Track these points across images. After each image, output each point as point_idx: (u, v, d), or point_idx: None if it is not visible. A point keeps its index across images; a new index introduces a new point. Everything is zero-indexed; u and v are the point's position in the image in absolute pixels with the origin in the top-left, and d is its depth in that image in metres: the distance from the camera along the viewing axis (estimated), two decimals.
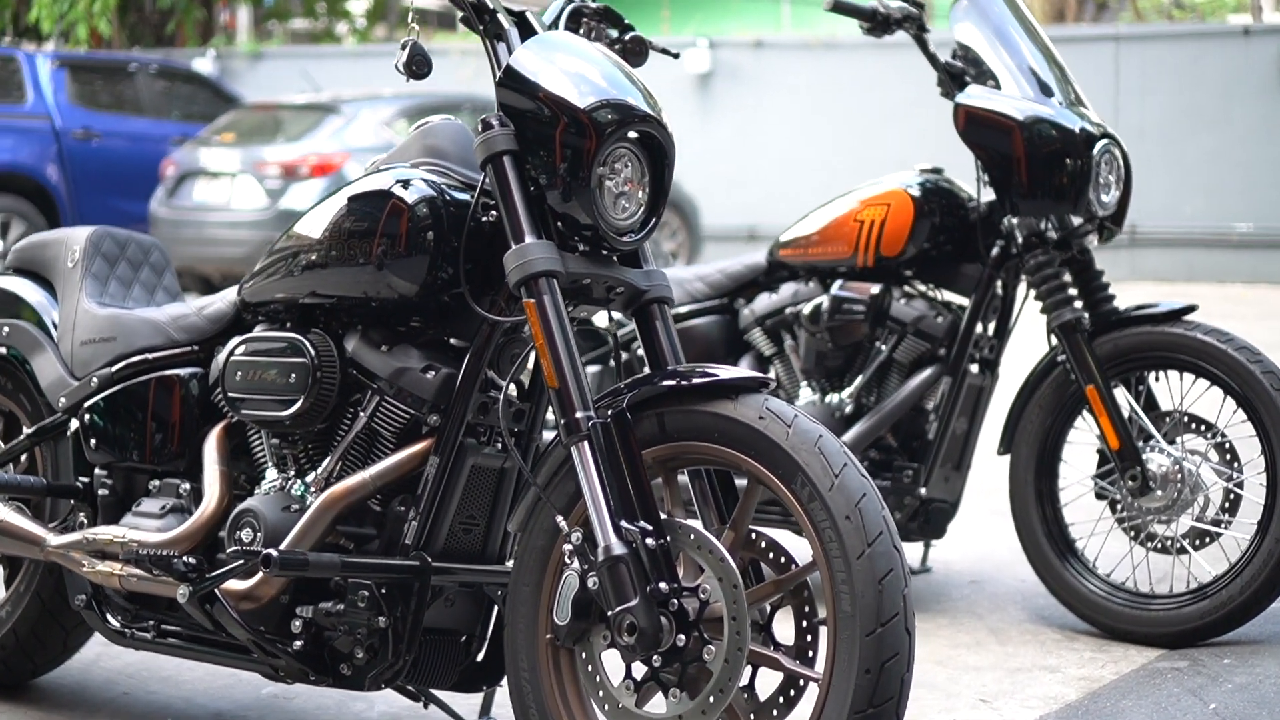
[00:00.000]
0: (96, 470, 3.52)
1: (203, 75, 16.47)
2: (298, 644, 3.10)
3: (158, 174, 13.25)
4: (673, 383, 2.82)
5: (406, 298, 3.09)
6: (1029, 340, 4.85)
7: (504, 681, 3.23)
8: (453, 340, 3.19)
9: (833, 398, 4.53)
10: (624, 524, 2.73)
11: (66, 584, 3.53)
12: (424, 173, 3.15)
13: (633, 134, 2.94)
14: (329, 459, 3.17)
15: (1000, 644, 4.18)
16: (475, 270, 3.07)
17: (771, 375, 4.70)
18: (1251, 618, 4.00)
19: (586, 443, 2.78)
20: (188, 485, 3.39)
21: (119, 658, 4.04)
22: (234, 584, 3.12)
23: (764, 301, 4.71)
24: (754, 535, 2.85)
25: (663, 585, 2.70)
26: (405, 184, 3.11)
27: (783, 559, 2.83)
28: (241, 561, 3.00)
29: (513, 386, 3.21)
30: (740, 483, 2.90)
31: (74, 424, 3.55)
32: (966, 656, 4.07)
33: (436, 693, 3.48)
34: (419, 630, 3.04)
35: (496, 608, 3.21)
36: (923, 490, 4.40)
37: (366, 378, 3.16)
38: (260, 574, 3.09)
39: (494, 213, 3.03)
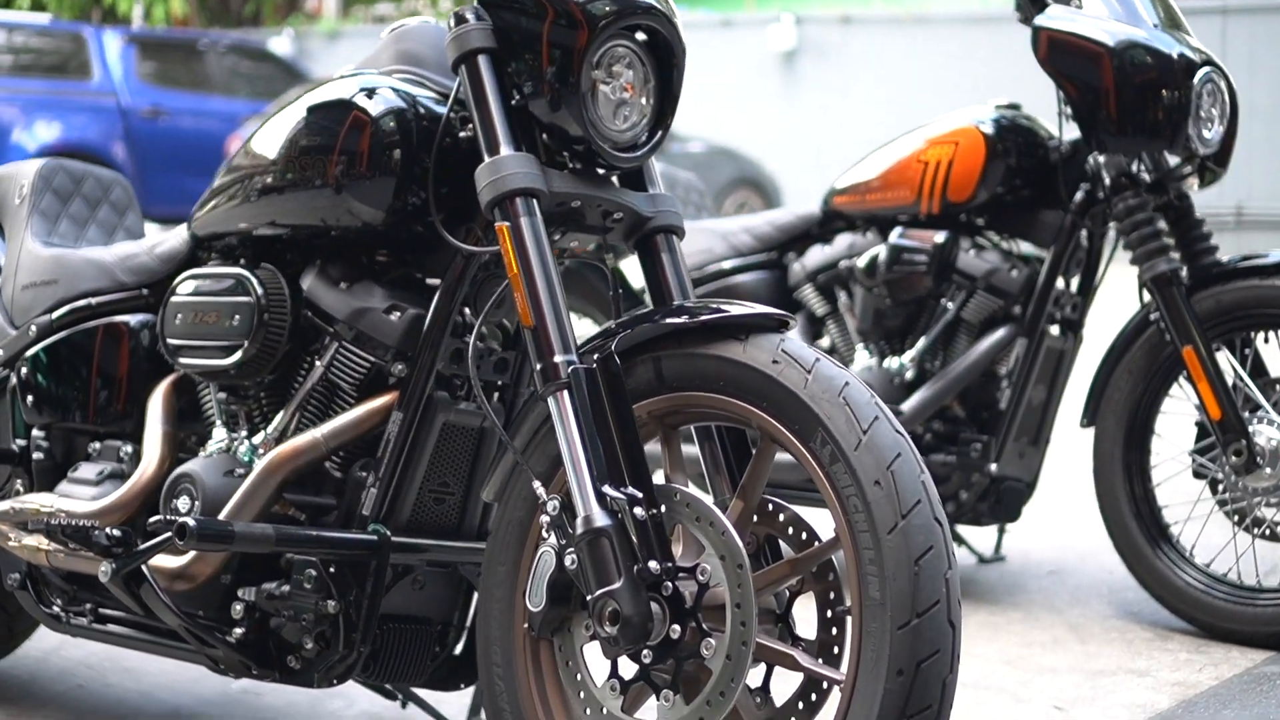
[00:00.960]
0: (34, 431, 3.08)
1: (274, 53, 16.17)
2: (238, 631, 2.64)
3: (223, 152, 12.93)
4: (672, 320, 2.32)
5: (371, 226, 2.62)
6: (1118, 301, 4.30)
7: None
8: (429, 279, 2.72)
9: (892, 362, 4.01)
10: (608, 490, 2.24)
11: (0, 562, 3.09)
12: (395, 81, 2.68)
13: (638, 34, 2.45)
14: (281, 416, 2.71)
15: (1081, 643, 3.64)
16: (450, 195, 2.60)
17: (825, 339, 4.20)
18: None
19: (566, 392, 2.29)
20: (130, 448, 2.94)
21: (81, 647, 3.60)
22: (166, 561, 2.67)
23: (816, 255, 4.20)
24: (770, 507, 2.36)
25: (653, 565, 2.21)
26: (370, 93, 2.64)
27: (804, 535, 2.33)
28: (167, 535, 2.52)
29: (496, 335, 2.74)
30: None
31: (12, 379, 3.12)
32: (1041, 656, 3.54)
33: (420, 691, 3.02)
34: (375, 617, 2.56)
35: (476, 593, 2.73)
36: (993, 466, 3.87)
37: (324, 320, 2.70)
38: (193, 550, 2.63)
39: (471, 126, 2.54)
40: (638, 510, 2.23)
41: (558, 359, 2.31)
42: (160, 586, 2.61)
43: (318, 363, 2.68)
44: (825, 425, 2.17)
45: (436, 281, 2.68)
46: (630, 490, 2.25)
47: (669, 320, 2.33)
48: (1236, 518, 3.69)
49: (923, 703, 2.07)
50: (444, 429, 2.63)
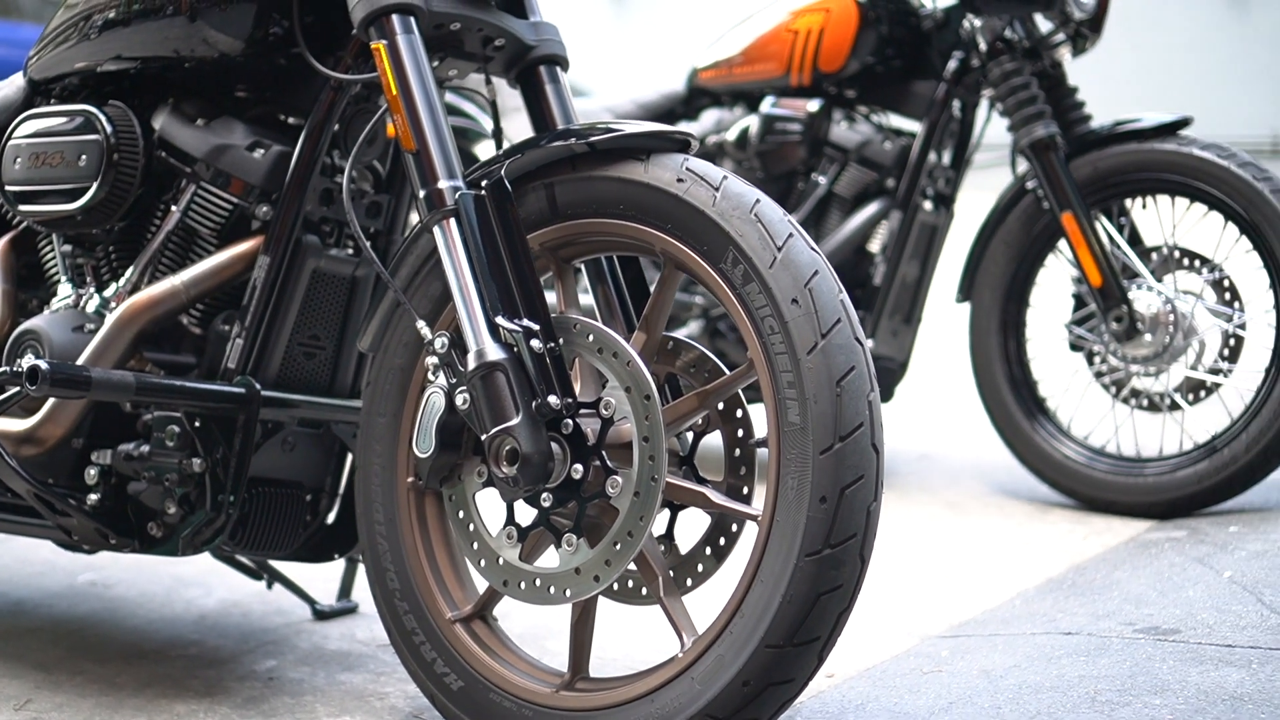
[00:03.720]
0: None
1: None
2: (93, 498, 2.43)
3: None
4: (563, 143, 2.16)
5: (229, 57, 2.42)
6: (990, 183, 4.23)
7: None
8: (290, 119, 2.52)
9: None
10: (502, 322, 2.08)
11: None
12: None
13: None
14: (133, 267, 2.50)
15: (960, 518, 3.57)
16: (315, 24, 2.41)
17: None
18: (1260, 479, 3.40)
19: (453, 220, 2.12)
20: None
21: None
22: (9, 425, 2.44)
23: None
24: (670, 345, 2.22)
25: (553, 400, 2.06)
26: None
27: (708, 372, 2.20)
28: (17, 390, 2.31)
29: (368, 176, 2.56)
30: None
31: None
32: (921, 531, 3.45)
33: (284, 570, 2.85)
34: (245, 476, 2.37)
35: (351, 455, 2.56)
36: (868, 344, 3.76)
37: (180, 161, 2.49)
38: (44, 409, 2.42)
39: None
40: (534, 343, 2.07)
41: (443, 185, 2.14)
42: (5, 453, 2.39)
43: (174, 208, 2.48)
44: (737, 244, 2.03)
45: (299, 121, 2.50)
46: (525, 322, 2.09)
47: (559, 144, 2.16)
48: (1114, 389, 3.64)
49: (847, 531, 1.95)
50: (314, 276, 2.45)
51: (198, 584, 3.09)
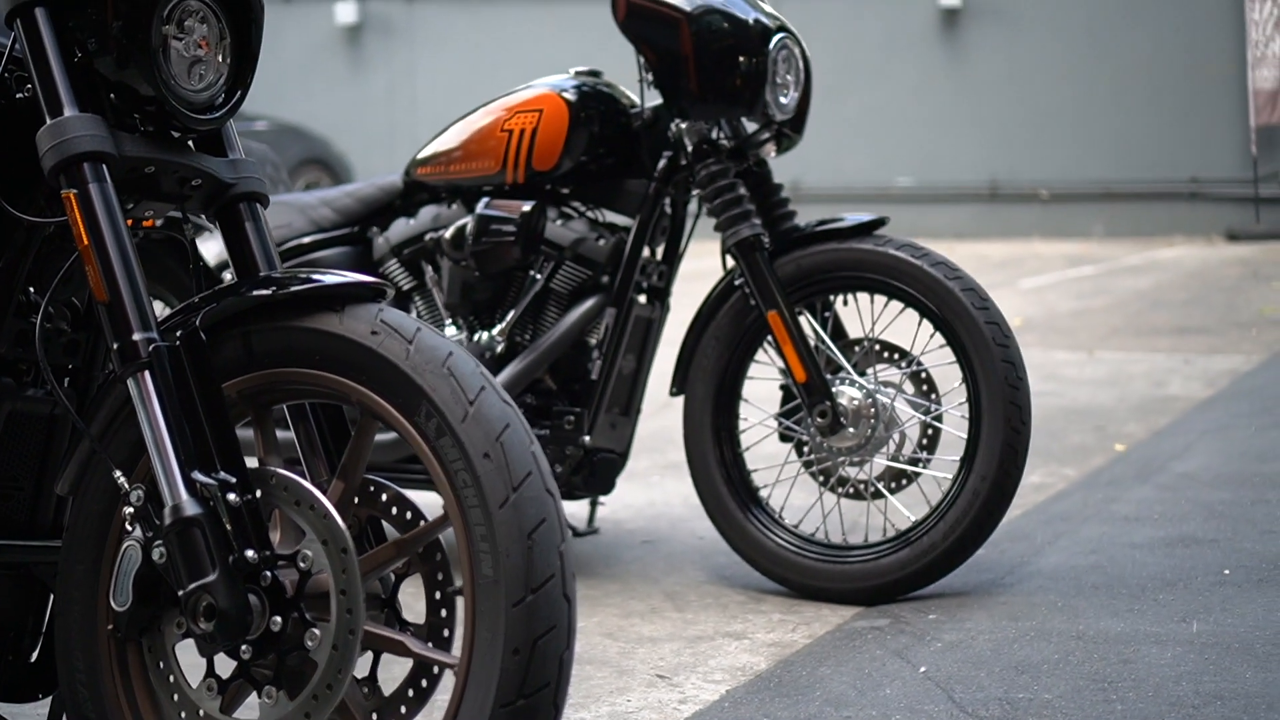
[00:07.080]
0: None
1: None
2: None
3: None
4: (260, 292, 2.18)
5: None
6: (700, 272, 4.35)
7: None
8: None
9: (482, 336, 3.93)
10: (198, 476, 2.09)
11: None
12: None
13: None
14: None
15: (678, 610, 3.65)
16: (8, 165, 2.38)
17: (412, 315, 4.08)
18: (957, 565, 3.56)
19: (147, 372, 2.13)
20: None
21: None
22: None
23: (400, 228, 4.09)
24: (372, 488, 2.24)
25: (250, 554, 2.08)
26: None
27: (409, 515, 2.23)
28: None
29: (65, 314, 2.54)
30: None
31: None
32: (641, 626, 3.53)
33: None
34: None
35: (52, 595, 2.52)
36: (587, 439, 3.84)
37: None
38: None
39: (30, 87, 2.33)
40: (231, 496, 2.09)
41: (137, 337, 2.14)
42: None
43: None
44: (430, 397, 2.07)
45: None
46: (222, 475, 2.11)
47: (256, 292, 2.19)
48: (822, 479, 3.77)
49: (540, 680, 2.00)
50: (10, 418, 2.42)
51: None
